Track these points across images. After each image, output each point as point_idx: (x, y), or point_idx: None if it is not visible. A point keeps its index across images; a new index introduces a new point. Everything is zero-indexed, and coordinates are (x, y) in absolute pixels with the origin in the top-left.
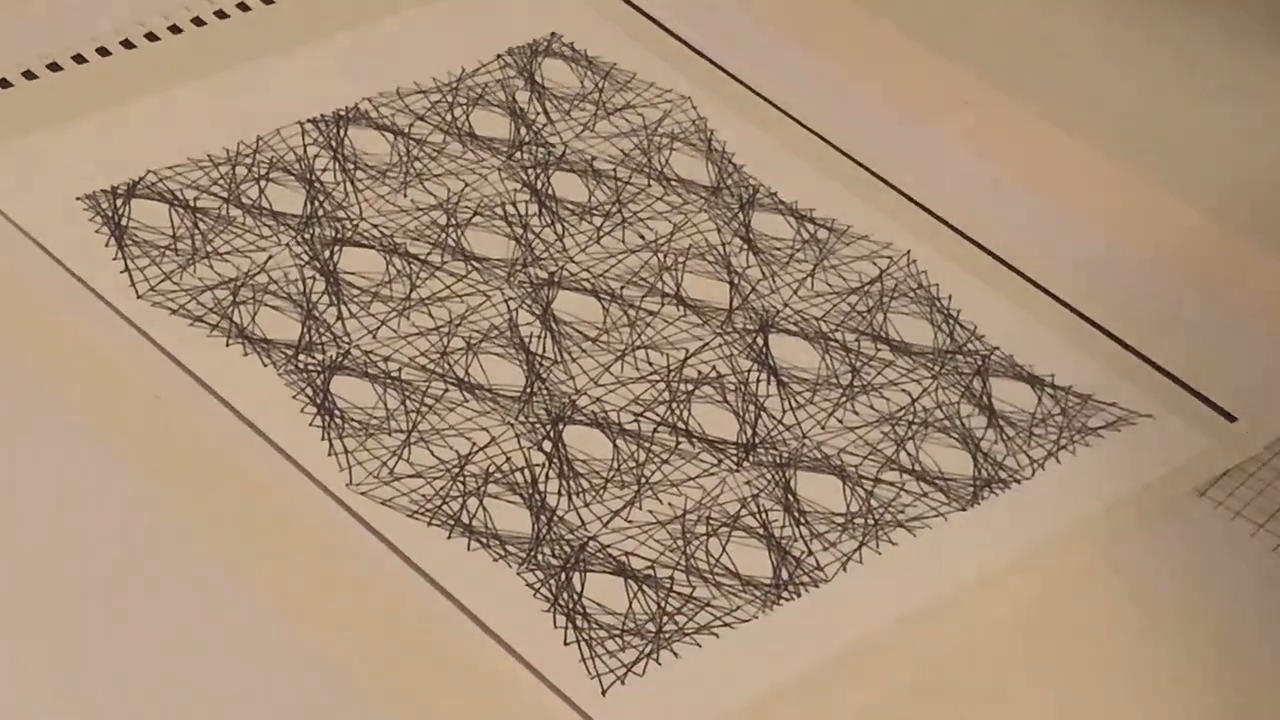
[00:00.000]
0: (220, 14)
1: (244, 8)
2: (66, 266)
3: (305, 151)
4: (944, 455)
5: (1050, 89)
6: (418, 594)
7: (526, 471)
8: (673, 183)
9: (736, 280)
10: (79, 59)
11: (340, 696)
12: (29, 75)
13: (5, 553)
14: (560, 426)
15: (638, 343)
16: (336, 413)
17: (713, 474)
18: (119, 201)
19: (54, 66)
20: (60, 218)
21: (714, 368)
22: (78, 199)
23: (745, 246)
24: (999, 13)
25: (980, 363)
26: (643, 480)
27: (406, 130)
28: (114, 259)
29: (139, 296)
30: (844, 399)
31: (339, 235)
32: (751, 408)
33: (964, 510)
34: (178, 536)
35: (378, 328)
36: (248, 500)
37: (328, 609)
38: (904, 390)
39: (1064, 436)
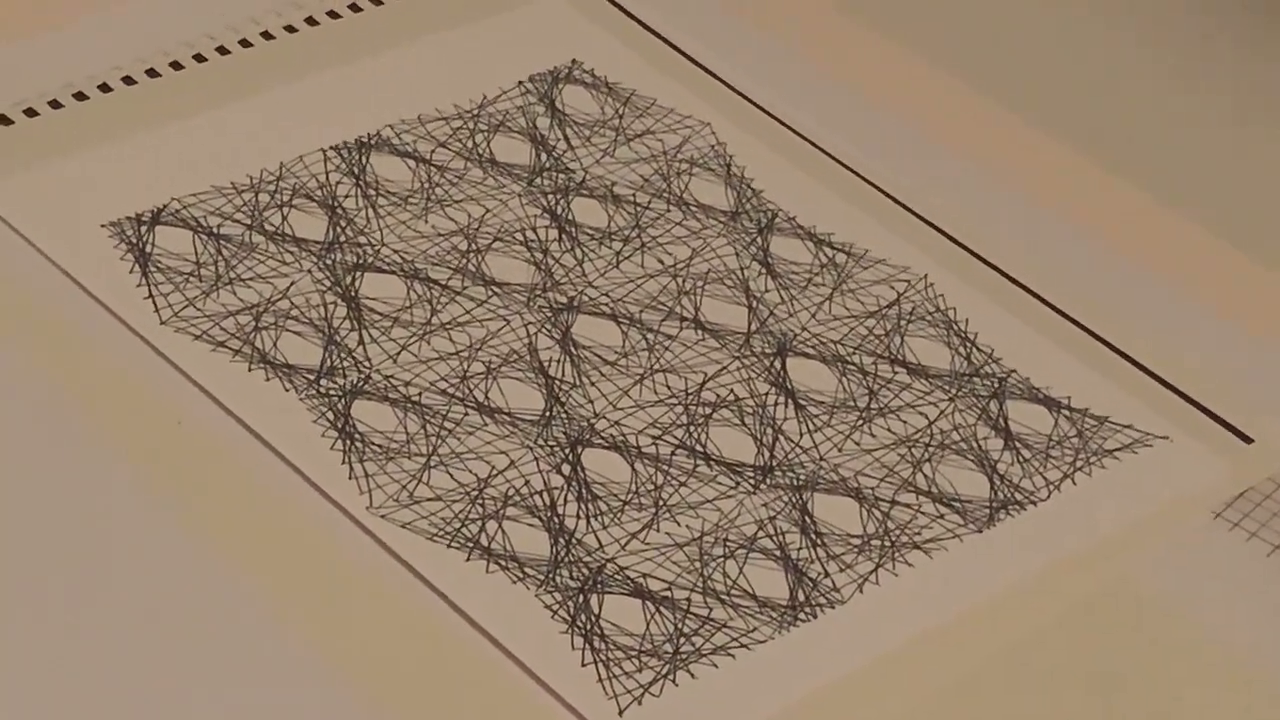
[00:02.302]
0: (244, 43)
1: (267, 36)
2: (91, 293)
3: (328, 178)
4: (960, 477)
5: (1071, 115)
6: (437, 615)
7: (545, 494)
8: (692, 208)
9: (755, 304)
10: (104, 87)
11: (360, 716)
12: (54, 104)
13: (29, 576)
14: (579, 450)
15: (656, 366)
16: (357, 437)
17: (730, 496)
18: (143, 228)
19: (80, 95)
20: (85, 245)
21: (732, 391)
22: (103, 226)
23: (764, 270)
24: (1018, 40)
25: (997, 385)
26: (660, 503)
27: (428, 156)
28: (138, 285)
29: (162, 322)
30: (861, 421)
31: (360, 261)
32: (769, 430)
33: (980, 532)
34: (200, 559)
35: (398, 352)
36: (269, 523)
37: (348, 630)
38: (921, 413)
39: (1080, 458)
